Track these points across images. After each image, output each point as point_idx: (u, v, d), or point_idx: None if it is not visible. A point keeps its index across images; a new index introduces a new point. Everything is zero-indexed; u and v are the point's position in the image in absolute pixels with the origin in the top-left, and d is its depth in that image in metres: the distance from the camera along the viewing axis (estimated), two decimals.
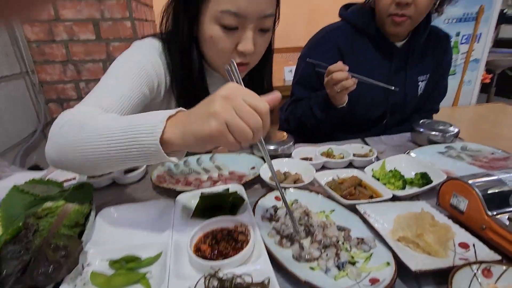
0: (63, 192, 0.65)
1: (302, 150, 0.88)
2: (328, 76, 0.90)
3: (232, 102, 0.42)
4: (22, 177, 0.82)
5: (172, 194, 0.68)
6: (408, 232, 0.50)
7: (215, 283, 0.43)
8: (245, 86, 0.90)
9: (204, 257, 0.49)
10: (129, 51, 0.74)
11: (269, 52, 0.81)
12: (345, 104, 0.98)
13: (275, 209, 0.61)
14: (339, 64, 0.89)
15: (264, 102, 0.44)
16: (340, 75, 0.87)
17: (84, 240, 0.52)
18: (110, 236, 0.56)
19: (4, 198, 0.58)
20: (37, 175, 0.81)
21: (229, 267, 0.46)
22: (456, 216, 0.56)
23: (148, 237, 0.56)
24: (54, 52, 1.54)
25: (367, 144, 0.97)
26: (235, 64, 0.49)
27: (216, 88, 0.84)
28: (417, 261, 0.45)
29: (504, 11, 3.15)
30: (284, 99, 1.50)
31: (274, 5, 0.68)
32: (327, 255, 0.48)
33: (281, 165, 0.79)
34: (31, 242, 0.50)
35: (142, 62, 0.71)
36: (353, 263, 0.48)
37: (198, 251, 0.50)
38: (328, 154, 0.86)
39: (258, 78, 0.86)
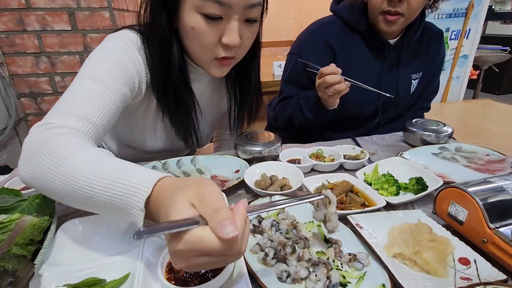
0: (21, 202, 0.57)
1: (290, 151, 0.83)
2: (320, 78, 0.85)
3: (193, 266, 0.33)
4: None
5: None
6: (404, 248, 0.45)
7: None
8: (231, 82, 0.85)
9: (177, 279, 0.43)
10: (105, 46, 0.65)
11: (257, 45, 0.75)
12: (336, 106, 0.93)
13: (259, 219, 0.55)
14: (332, 66, 0.83)
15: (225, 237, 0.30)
16: (333, 79, 0.82)
17: (40, 261, 0.45)
18: (71, 255, 0.50)
19: None
20: None
21: None
22: (454, 227, 0.52)
23: (116, 255, 0.49)
24: (25, 43, 1.43)
25: (358, 144, 0.92)
26: None
27: (199, 85, 0.78)
28: (415, 283, 0.41)
29: (492, 7, 3.16)
30: (272, 95, 1.44)
31: None
32: (316, 275, 0.43)
33: (267, 168, 0.73)
34: None
35: (122, 60, 0.63)
36: (345, 285, 0.43)
37: (170, 272, 0.44)
38: (318, 156, 0.81)
39: (245, 74, 0.80)
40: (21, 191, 0.62)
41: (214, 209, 0.31)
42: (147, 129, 0.81)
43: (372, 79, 1.03)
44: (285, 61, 1.16)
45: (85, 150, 0.46)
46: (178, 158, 0.80)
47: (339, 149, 0.82)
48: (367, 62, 1.02)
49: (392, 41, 1.01)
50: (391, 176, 0.66)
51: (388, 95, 0.89)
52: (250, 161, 0.78)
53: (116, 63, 0.62)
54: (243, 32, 0.62)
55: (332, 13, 1.08)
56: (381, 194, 0.63)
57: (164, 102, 0.71)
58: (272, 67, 2.15)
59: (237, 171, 0.75)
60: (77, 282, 0.43)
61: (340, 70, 0.83)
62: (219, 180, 0.72)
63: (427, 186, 0.63)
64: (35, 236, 0.49)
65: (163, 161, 0.78)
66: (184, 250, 0.31)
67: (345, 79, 0.84)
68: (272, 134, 0.83)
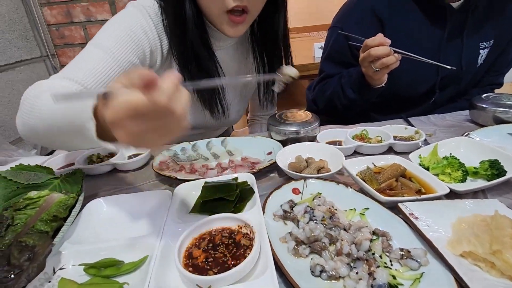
0: (53, 179, 0.58)
1: (330, 132, 0.74)
2: (364, 52, 0.74)
3: (134, 134, 0.32)
4: (27, 162, 0.78)
5: (175, 183, 0.59)
6: (477, 246, 0.35)
7: None
8: (258, 48, 0.76)
9: (195, 266, 0.39)
10: (118, 15, 0.65)
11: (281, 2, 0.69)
12: (383, 83, 0.81)
13: (291, 205, 0.48)
14: (379, 37, 0.72)
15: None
16: (380, 51, 0.71)
17: (61, 238, 0.44)
18: (93, 234, 0.48)
19: None
20: (38, 160, 0.76)
21: (223, 284, 0.35)
22: None
23: (137, 236, 0.46)
24: (73, 35, 1.51)
25: (411, 124, 0.80)
26: None
27: (224, 54, 0.72)
28: None
29: None
30: (313, 79, 1.33)
31: None
32: (357, 273, 0.35)
33: (302, 150, 0.65)
34: (1, 238, 0.44)
35: (132, 28, 0.62)
36: (395, 287, 0.34)
37: (189, 257, 0.40)
38: (362, 137, 0.71)
39: (270, 31, 0.73)
40: (56, 170, 0.63)
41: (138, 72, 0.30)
42: None
43: (429, 50, 0.88)
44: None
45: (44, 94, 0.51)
46: (208, 139, 0.76)
47: (388, 130, 0.70)
48: (422, 30, 0.88)
49: (455, 4, 0.84)
50: (455, 158, 0.54)
51: (449, 67, 0.75)
52: (285, 143, 0.71)
53: (125, 31, 0.62)
54: None
55: None
56: (442, 180, 0.51)
57: (183, 65, 0.68)
58: (313, 49, 2.02)
59: (270, 153, 0.69)
60: (95, 261, 0.41)
61: (388, 41, 0.71)
62: (250, 162, 0.66)
63: (505, 171, 0.50)
64: (59, 213, 0.48)
65: (193, 143, 0.75)
66: (116, 114, 0.30)
67: (395, 51, 0.72)
68: (309, 113, 0.74)
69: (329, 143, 0.71)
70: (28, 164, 0.60)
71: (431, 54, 0.88)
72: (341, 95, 0.91)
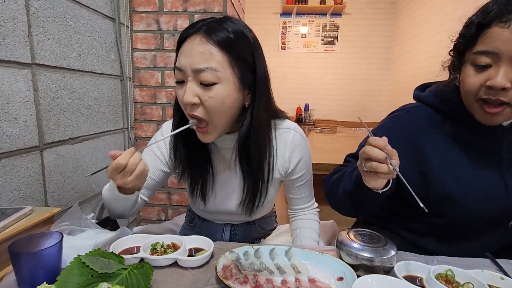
0: (122, 270, 0.58)
1: (406, 265, 0.67)
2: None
3: None
4: (92, 236, 0.80)
5: None
6: None
7: None
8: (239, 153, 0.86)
9: None
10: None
11: (254, 116, 0.77)
12: (380, 191, 0.70)
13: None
14: (381, 140, 0.64)
15: None
16: (373, 153, 0.63)
17: None
18: None
19: (63, 271, 0.52)
20: (106, 235, 0.79)
21: None
22: None
23: None
24: (153, 113, 1.71)
25: (502, 269, 0.70)
26: None
27: (217, 158, 0.90)
28: None
29: None
30: None
31: (213, 61, 0.68)
32: None
33: (382, 284, 0.59)
34: None
35: (155, 147, 0.91)
36: None
37: None
38: (448, 279, 0.62)
39: (247, 145, 0.79)
40: (123, 256, 0.63)
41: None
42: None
43: (488, 172, 0.79)
44: None
45: None
46: (272, 246, 0.73)
47: (479, 275, 0.62)
48: (474, 154, 0.80)
49: (506, 123, 0.77)
50: None
51: (421, 205, 0.60)
52: (356, 268, 0.65)
53: (153, 149, 0.91)
54: (202, 94, 0.69)
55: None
56: None
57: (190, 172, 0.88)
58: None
59: (341, 278, 0.63)
60: None
61: (389, 150, 0.63)
62: (319, 287, 0.60)
63: None
64: None
65: (256, 247, 0.73)
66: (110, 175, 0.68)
67: (393, 167, 0.62)
68: (385, 238, 0.69)
69: (406, 277, 0.64)
70: (101, 250, 0.61)
71: (495, 176, 0.79)
72: (341, 182, 0.82)
